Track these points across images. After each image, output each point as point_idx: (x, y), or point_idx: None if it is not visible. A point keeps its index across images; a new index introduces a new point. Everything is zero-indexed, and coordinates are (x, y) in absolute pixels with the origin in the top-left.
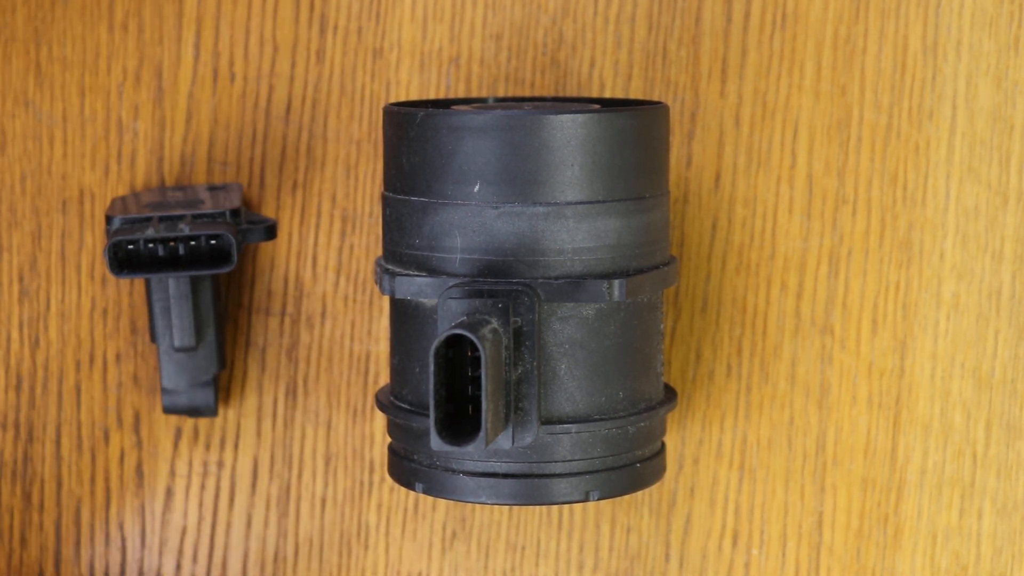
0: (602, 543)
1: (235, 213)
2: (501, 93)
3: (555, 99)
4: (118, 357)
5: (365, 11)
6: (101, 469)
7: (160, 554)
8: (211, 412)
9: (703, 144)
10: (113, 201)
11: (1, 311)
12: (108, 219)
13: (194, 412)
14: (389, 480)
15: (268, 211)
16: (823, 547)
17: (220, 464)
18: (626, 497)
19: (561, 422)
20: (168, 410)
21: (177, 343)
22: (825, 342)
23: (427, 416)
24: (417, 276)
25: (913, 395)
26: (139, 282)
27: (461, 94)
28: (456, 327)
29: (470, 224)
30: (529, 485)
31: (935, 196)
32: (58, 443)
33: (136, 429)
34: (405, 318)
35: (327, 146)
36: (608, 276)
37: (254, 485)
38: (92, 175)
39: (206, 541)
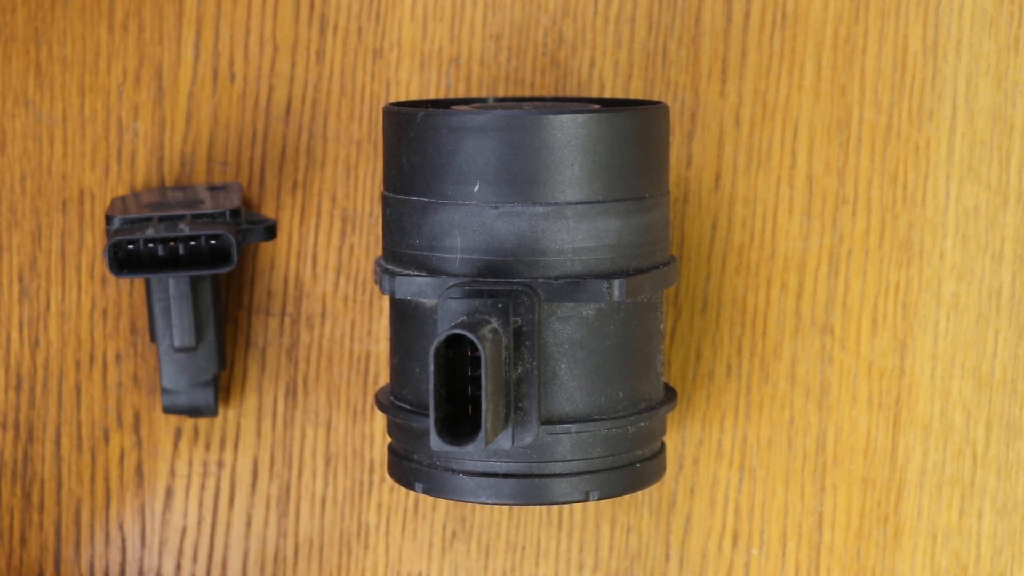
0: (602, 543)
1: (235, 213)
2: (501, 93)
3: (555, 99)
4: (118, 357)
5: (365, 11)
6: (101, 469)
7: (160, 554)
8: (211, 412)
9: (703, 144)
10: (113, 201)
11: (1, 311)
12: (108, 219)
13: (194, 412)
14: (389, 480)
15: (268, 211)
16: (823, 547)
17: (220, 464)
18: (626, 497)
19: (561, 422)
20: (168, 410)
21: (177, 343)
22: (825, 342)
23: (427, 416)
24: (417, 276)
25: (913, 395)
26: (139, 282)
27: (461, 94)
28: (456, 327)
29: (470, 224)
30: (529, 485)
31: (935, 196)
32: (58, 443)
33: (136, 429)
34: (405, 318)
35: (327, 146)
36: (608, 276)
37: (254, 485)
38: (92, 175)
39: (206, 541)
